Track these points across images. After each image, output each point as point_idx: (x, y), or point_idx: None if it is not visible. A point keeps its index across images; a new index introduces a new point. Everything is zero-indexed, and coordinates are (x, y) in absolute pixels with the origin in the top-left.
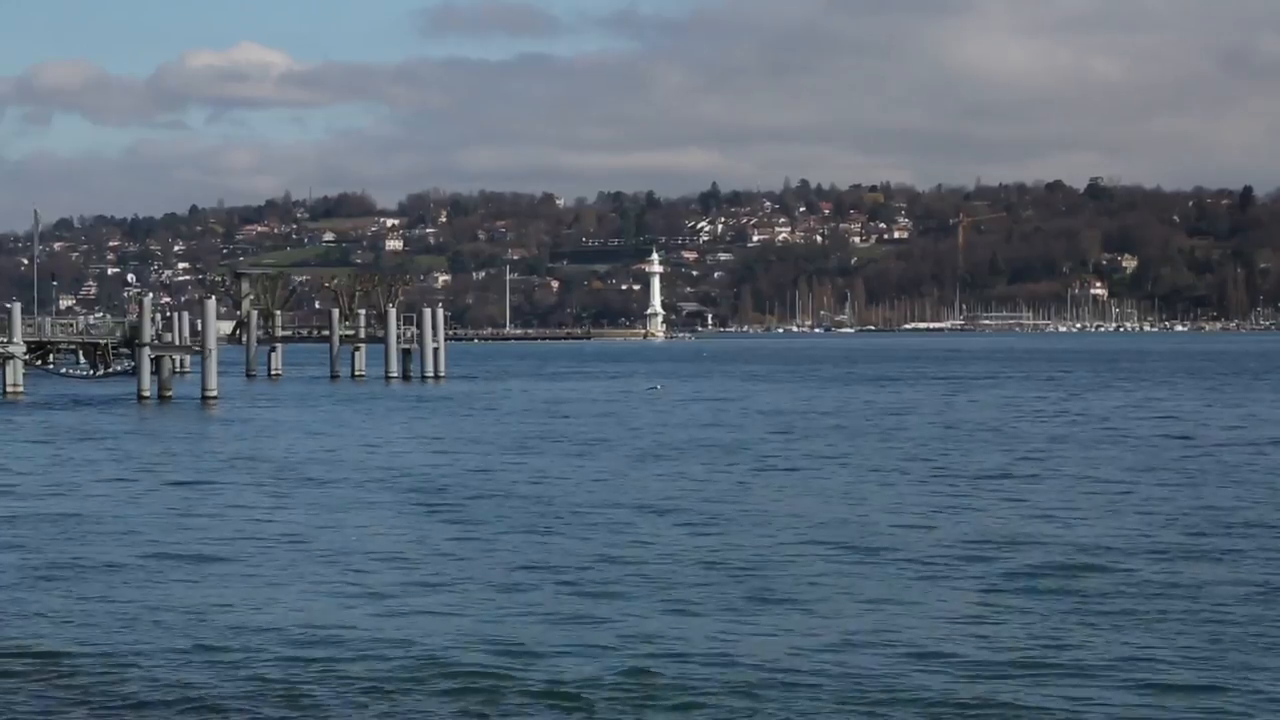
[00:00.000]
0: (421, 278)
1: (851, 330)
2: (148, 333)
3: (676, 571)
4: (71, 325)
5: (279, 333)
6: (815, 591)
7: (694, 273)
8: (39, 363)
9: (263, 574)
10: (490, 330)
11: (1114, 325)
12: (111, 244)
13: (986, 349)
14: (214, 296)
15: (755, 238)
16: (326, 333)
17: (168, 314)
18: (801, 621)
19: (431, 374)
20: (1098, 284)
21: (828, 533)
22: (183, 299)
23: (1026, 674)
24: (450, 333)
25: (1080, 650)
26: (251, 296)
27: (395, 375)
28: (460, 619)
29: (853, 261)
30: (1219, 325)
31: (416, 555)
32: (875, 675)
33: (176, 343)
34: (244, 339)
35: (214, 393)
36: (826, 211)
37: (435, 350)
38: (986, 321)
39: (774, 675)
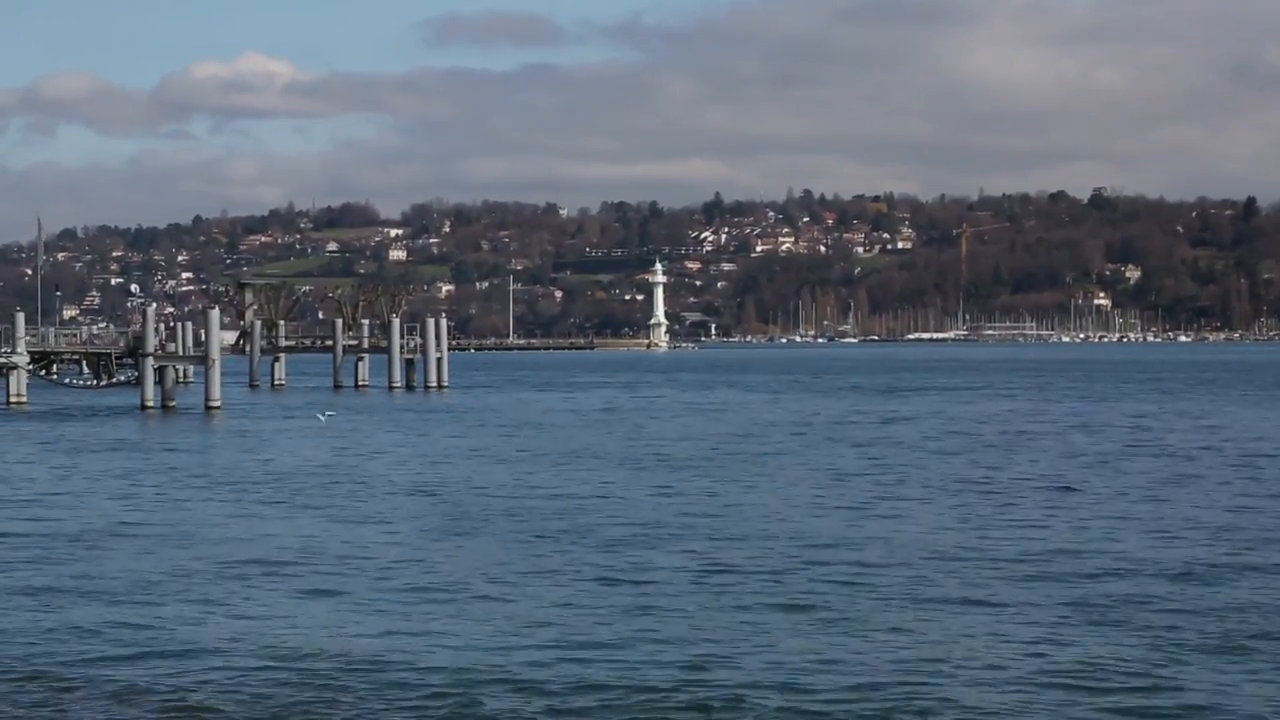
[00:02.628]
0: (425, 288)
1: (855, 340)
2: (151, 343)
3: (735, 586)
4: (75, 335)
5: (282, 343)
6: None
7: (697, 283)
8: (43, 373)
9: (282, 591)
10: (494, 340)
11: (1117, 336)
12: (115, 254)
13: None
14: (217, 306)
15: (759, 248)
16: (330, 343)
17: (171, 324)
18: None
19: (435, 384)
20: (1101, 294)
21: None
22: (186, 309)
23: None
24: (453, 343)
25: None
26: (255, 306)
27: (399, 385)
28: (498, 639)
29: (856, 271)
30: (1222, 336)
31: (455, 571)
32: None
33: (180, 353)
34: (247, 349)
35: (217, 403)
36: (830, 221)
37: (438, 360)
38: (990, 332)
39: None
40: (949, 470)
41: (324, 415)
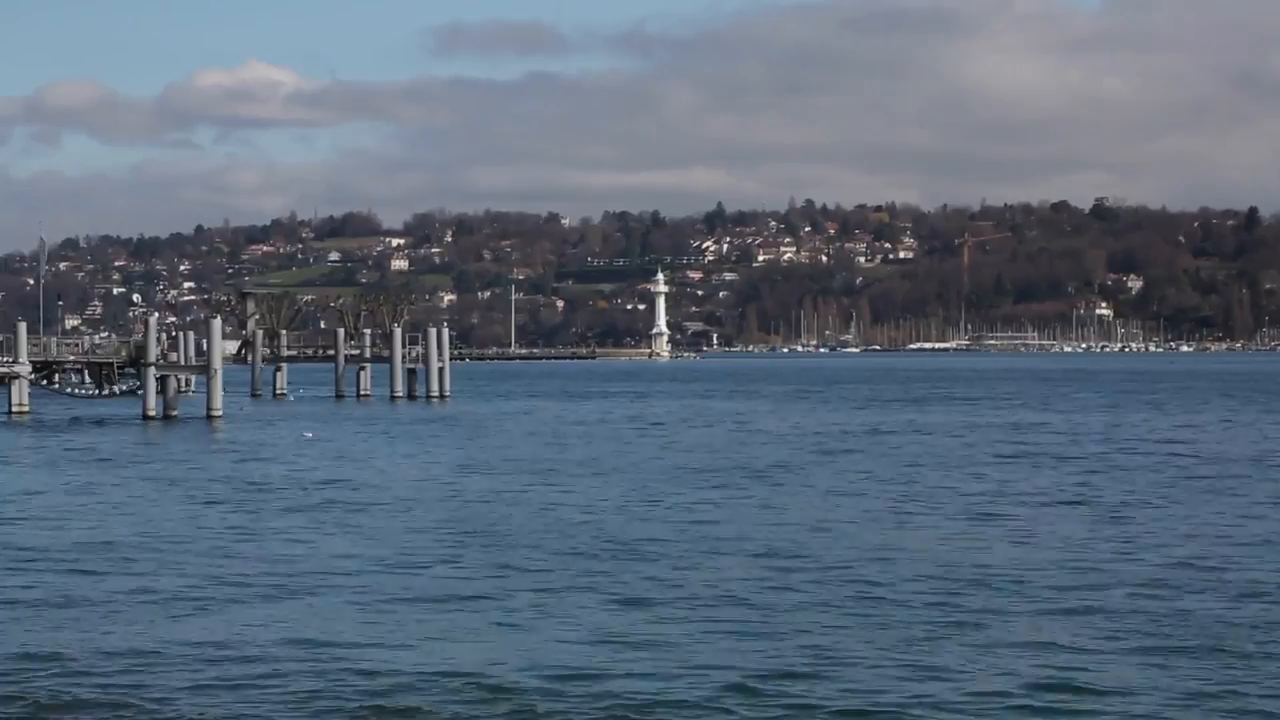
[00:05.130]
0: (427, 297)
1: (856, 350)
2: (153, 352)
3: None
4: (77, 345)
5: (284, 352)
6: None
7: (699, 292)
8: (45, 382)
9: (294, 604)
10: (495, 350)
11: (1119, 346)
12: (117, 264)
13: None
14: (219, 316)
15: (760, 257)
16: (331, 352)
17: (173, 333)
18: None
19: (436, 393)
20: (1103, 304)
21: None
22: (188, 318)
23: None
24: (452, 353)
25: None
26: (257, 316)
27: (400, 395)
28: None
29: (858, 281)
30: (1224, 346)
31: (485, 583)
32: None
33: (182, 362)
34: (249, 358)
35: (219, 412)
36: (832, 231)
37: (440, 370)
38: (991, 342)
39: None
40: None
41: (310, 433)
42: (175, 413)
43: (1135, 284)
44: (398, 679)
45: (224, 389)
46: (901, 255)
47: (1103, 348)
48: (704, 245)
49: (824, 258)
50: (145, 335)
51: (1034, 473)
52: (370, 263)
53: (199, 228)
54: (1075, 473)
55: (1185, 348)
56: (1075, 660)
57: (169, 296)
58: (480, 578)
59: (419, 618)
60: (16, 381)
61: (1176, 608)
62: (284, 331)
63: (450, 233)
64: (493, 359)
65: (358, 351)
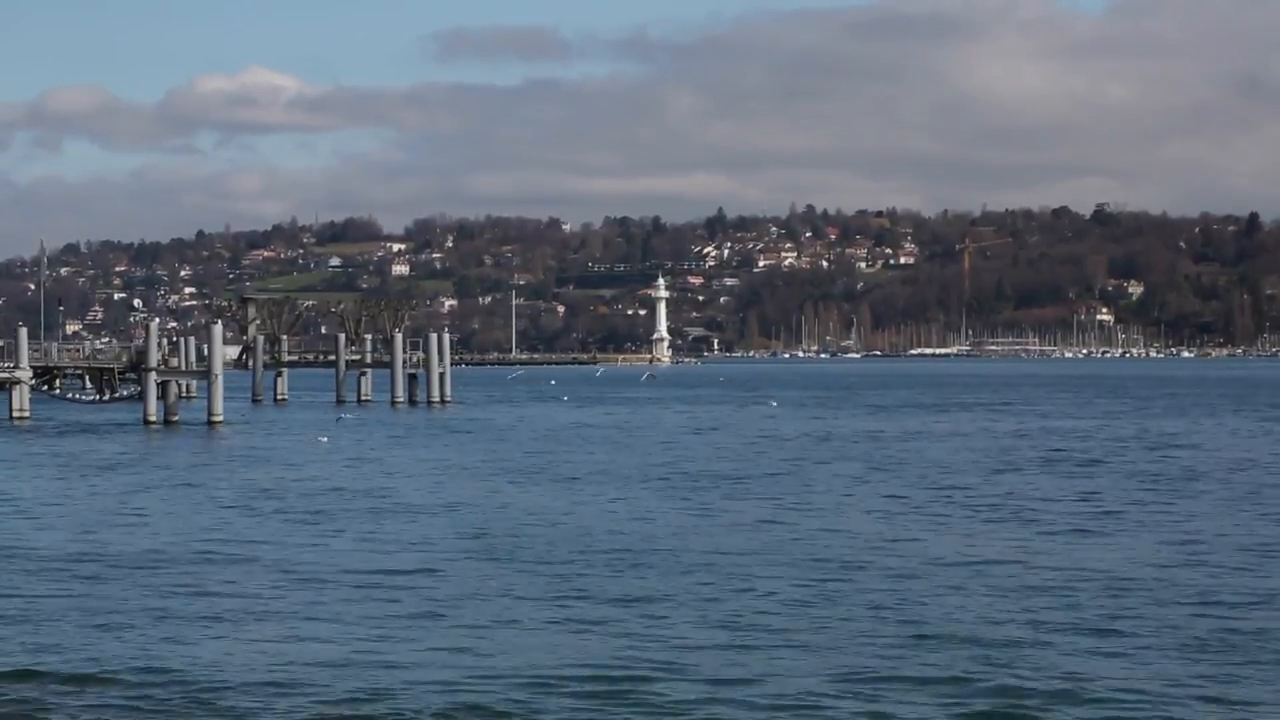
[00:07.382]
0: (428, 302)
1: (857, 355)
2: (154, 357)
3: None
4: (78, 350)
5: (285, 357)
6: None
7: (700, 298)
8: (45, 388)
9: (299, 613)
10: (496, 355)
11: (1120, 351)
12: (118, 269)
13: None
14: (220, 321)
15: (761, 263)
16: (332, 357)
17: (174, 339)
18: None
19: (437, 399)
20: (1104, 310)
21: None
22: (189, 324)
23: None
24: (453, 358)
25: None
26: (258, 321)
27: (401, 400)
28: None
29: (858, 286)
30: (1225, 351)
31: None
32: None
33: (182, 367)
34: (250, 364)
35: (220, 417)
36: (833, 236)
37: (441, 375)
38: (992, 347)
39: None
40: None
41: (325, 437)
42: (176, 418)
43: (1136, 289)
44: (431, 684)
45: (225, 394)
46: (902, 260)
47: (1104, 353)
48: (705, 250)
49: (825, 263)
50: (146, 340)
51: None
52: (371, 268)
53: (200, 233)
54: None
55: (1186, 353)
56: None
57: (170, 302)
58: (508, 581)
59: (452, 624)
60: (17, 387)
61: None
62: (285, 337)
63: (451, 238)
64: (493, 364)
65: (359, 357)
